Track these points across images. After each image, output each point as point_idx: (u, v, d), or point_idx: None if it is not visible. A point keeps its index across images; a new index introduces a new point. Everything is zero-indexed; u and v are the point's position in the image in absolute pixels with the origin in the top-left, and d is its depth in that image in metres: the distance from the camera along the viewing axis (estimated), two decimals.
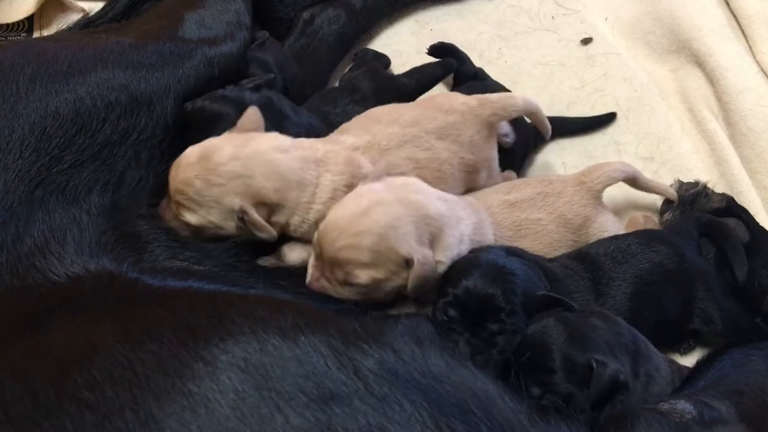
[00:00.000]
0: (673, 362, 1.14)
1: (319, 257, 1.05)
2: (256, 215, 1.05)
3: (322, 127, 1.28)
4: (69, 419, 0.68)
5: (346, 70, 1.60)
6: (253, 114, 1.13)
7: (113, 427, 0.67)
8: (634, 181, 1.35)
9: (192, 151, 1.07)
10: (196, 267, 1.05)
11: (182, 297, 0.93)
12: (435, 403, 0.80)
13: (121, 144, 1.07)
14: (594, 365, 0.94)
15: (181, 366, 0.74)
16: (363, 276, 1.01)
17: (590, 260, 1.19)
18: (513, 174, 1.42)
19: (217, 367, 0.75)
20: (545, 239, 1.23)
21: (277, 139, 1.12)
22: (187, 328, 0.80)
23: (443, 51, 1.59)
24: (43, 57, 1.07)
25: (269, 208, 1.07)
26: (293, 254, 1.13)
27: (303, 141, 1.15)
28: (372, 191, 1.06)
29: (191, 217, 1.06)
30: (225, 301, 0.91)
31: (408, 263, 1.01)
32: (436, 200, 1.09)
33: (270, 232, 1.07)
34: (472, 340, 0.98)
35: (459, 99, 1.29)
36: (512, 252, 1.11)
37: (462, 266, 1.04)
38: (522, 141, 1.48)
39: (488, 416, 0.82)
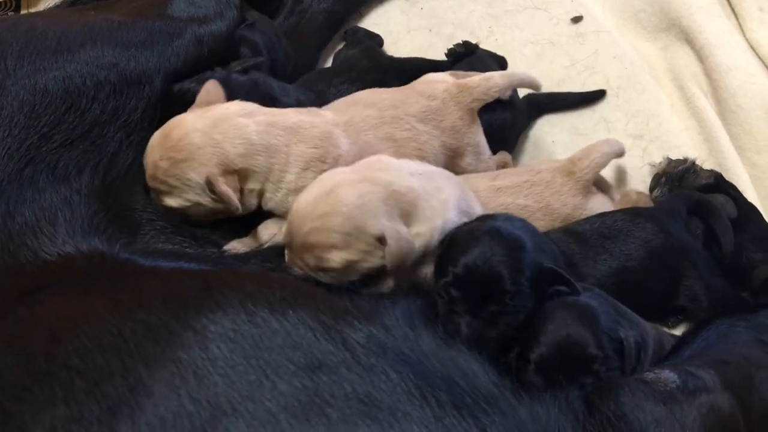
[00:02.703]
0: (657, 328, 1.15)
1: (291, 246, 1.03)
2: (222, 185, 1.03)
3: (313, 101, 1.28)
4: (59, 385, 0.69)
5: (338, 48, 1.60)
6: (211, 87, 1.12)
7: (103, 392, 0.69)
8: (620, 157, 1.36)
9: (155, 135, 1.07)
10: (187, 250, 1.05)
11: (173, 274, 0.94)
12: (421, 375, 0.81)
13: (111, 124, 1.07)
14: (623, 338, 0.96)
15: (170, 335, 0.75)
16: (335, 258, 0.98)
17: (577, 236, 1.20)
18: (507, 156, 1.43)
19: (207, 337, 0.76)
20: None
21: (239, 104, 1.11)
22: (176, 300, 0.81)
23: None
24: (31, 34, 1.07)
25: (239, 176, 1.06)
26: (266, 231, 1.11)
27: (273, 109, 1.14)
28: (335, 173, 1.05)
29: (171, 201, 1.06)
30: (215, 276, 0.92)
31: (381, 241, 0.99)
32: (407, 175, 1.07)
33: (233, 204, 1.04)
34: (473, 323, 0.95)
35: (440, 86, 1.29)
36: (508, 217, 1.07)
37: (462, 241, 0.99)
38: (516, 121, 1.49)
39: (473, 390, 0.83)
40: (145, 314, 0.77)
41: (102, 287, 0.86)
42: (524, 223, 1.05)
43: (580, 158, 1.29)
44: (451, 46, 1.56)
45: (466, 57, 1.55)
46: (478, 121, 1.31)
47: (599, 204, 1.30)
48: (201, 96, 1.12)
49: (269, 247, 1.11)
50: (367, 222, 0.99)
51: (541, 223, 1.23)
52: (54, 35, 1.08)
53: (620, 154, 1.35)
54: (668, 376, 0.95)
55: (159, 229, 1.06)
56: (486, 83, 1.29)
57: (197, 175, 1.04)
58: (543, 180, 1.26)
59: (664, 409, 0.88)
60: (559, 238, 1.19)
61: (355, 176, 1.04)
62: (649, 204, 1.40)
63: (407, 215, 1.04)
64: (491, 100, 1.31)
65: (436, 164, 1.23)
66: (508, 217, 1.05)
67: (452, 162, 1.28)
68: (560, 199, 1.25)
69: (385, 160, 1.11)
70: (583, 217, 1.27)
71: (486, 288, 0.95)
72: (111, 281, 0.88)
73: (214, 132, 1.05)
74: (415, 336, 0.88)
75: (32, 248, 0.92)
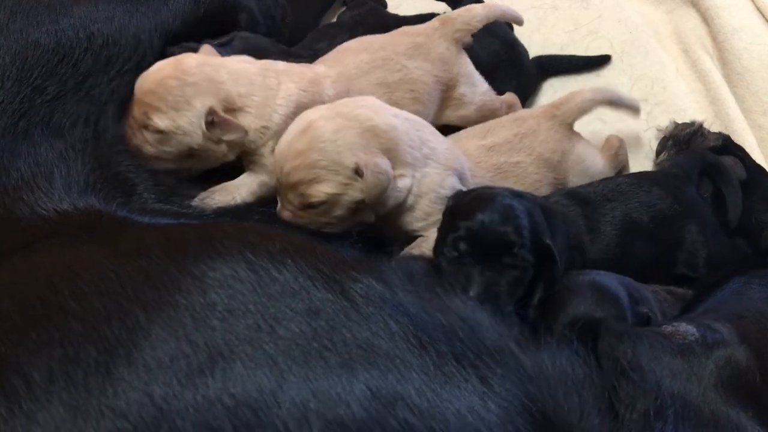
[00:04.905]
0: (658, 292, 1.13)
1: (279, 189, 1.05)
2: (225, 114, 1.05)
3: (311, 59, 1.26)
4: (56, 328, 0.68)
5: (342, 10, 1.59)
6: (207, 49, 1.14)
7: (100, 334, 0.68)
8: (609, 103, 1.34)
9: (163, 61, 1.08)
10: (184, 210, 1.05)
11: (173, 227, 0.93)
12: (421, 327, 0.80)
13: (104, 74, 1.06)
14: (650, 314, 0.99)
15: (169, 280, 0.74)
16: (316, 193, 1.00)
17: (582, 198, 1.19)
18: (514, 97, 1.41)
19: (205, 282, 0.75)
20: (527, 180, 1.22)
21: (241, 57, 1.14)
22: (176, 248, 0.80)
23: None
24: None
25: (234, 114, 1.08)
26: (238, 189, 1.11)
27: (265, 60, 1.16)
28: (311, 111, 1.07)
29: (160, 121, 1.05)
30: (215, 227, 0.91)
31: (358, 173, 1.00)
32: (390, 115, 1.08)
33: (240, 130, 1.06)
34: (486, 273, 0.97)
35: (421, 25, 1.31)
36: (516, 194, 1.07)
37: (472, 201, 1.02)
38: (522, 83, 1.47)
39: (474, 342, 0.82)
40: (143, 261, 0.76)
41: (100, 238, 0.85)
42: (526, 205, 1.04)
43: (562, 102, 1.29)
44: None
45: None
46: (465, 54, 1.32)
47: (584, 149, 1.29)
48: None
49: (268, 209, 1.10)
50: (342, 154, 1.01)
51: (535, 177, 1.23)
52: None
53: (608, 101, 1.33)
54: (687, 329, 0.93)
55: (154, 189, 1.05)
56: (467, 14, 1.31)
57: (200, 104, 1.05)
58: (530, 129, 1.25)
59: (681, 362, 0.87)
60: (561, 200, 1.18)
61: (329, 112, 1.05)
62: (626, 152, 1.39)
63: (388, 152, 1.04)
64: (473, 30, 1.32)
65: (430, 102, 1.25)
66: (516, 194, 1.06)
67: (448, 96, 1.28)
68: (549, 147, 1.25)
69: (369, 99, 1.12)
70: (571, 163, 1.26)
71: (494, 241, 0.97)
72: (109, 233, 0.87)
73: (221, 71, 1.08)
74: (415, 290, 0.87)
75: (29, 203, 0.91)
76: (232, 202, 1.09)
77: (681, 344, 0.89)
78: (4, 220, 0.89)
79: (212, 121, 1.05)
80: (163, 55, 1.14)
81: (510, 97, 1.40)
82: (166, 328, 0.68)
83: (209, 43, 1.18)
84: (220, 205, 1.08)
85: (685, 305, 1.11)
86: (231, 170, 1.14)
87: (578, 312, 0.96)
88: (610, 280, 1.02)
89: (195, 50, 1.15)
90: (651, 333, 0.91)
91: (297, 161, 1.01)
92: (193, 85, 1.05)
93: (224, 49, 1.21)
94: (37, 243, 0.84)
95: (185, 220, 1.00)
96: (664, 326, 0.95)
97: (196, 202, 1.07)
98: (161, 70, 1.07)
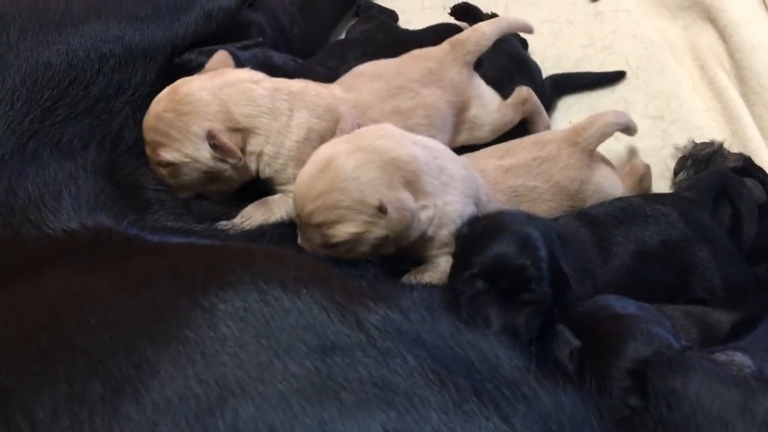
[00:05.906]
0: (675, 316, 1.10)
1: (299, 225, 1.03)
2: (224, 138, 1.03)
3: (326, 77, 1.25)
4: (61, 363, 0.67)
5: (352, 23, 1.57)
6: (221, 56, 1.13)
7: (106, 371, 0.66)
8: (628, 130, 1.32)
9: (162, 91, 1.07)
10: (197, 228, 1.03)
11: (182, 250, 0.92)
12: (439, 360, 0.78)
13: (117, 98, 1.06)
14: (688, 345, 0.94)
15: (177, 313, 0.72)
16: (340, 234, 0.97)
17: (592, 220, 1.17)
18: (528, 91, 1.37)
19: (216, 315, 0.73)
20: (542, 207, 1.19)
21: (248, 72, 1.12)
22: (185, 277, 0.78)
23: (465, 12, 1.55)
24: (34, 7, 1.05)
25: (242, 134, 1.06)
26: (257, 213, 1.09)
27: (277, 78, 1.14)
28: (329, 146, 1.03)
29: (167, 154, 1.04)
30: (227, 251, 0.89)
31: (382, 210, 0.97)
32: (410, 144, 1.04)
33: (236, 155, 1.04)
34: (503, 313, 0.92)
35: (432, 48, 1.30)
36: (530, 216, 1.05)
37: (484, 233, 0.97)
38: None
39: (495, 376, 0.79)
40: (152, 291, 0.74)
41: (107, 262, 0.83)
42: (541, 229, 1.01)
43: (585, 127, 1.25)
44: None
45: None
46: (476, 75, 1.32)
47: (604, 177, 1.26)
48: (211, 64, 1.12)
49: (281, 228, 1.08)
50: (365, 192, 0.97)
51: (551, 204, 1.20)
52: (57, 8, 1.06)
53: (628, 128, 1.30)
54: (742, 360, 0.88)
55: (168, 208, 1.03)
56: (475, 34, 1.30)
57: (200, 129, 1.03)
58: (551, 155, 1.22)
59: (737, 395, 0.81)
60: (569, 222, 1.16)
61: (348, 146, 1.01)
62: (650, 179, 1.37)
63: (410, 184, 1.01)
64: (484, 50, 1.31)
65: (444, 126, 1.23)
66: (531, 218, 1.03)
67: (460, 119, 1.27)
68: (568, 175, 1.22)
69: (387, 127, 1.08)
70: (590, 192, 1.23)
71: (511, 276, 0.93)
72: (117, 256, 0.85)
73: (221, 93, 1.06)
74: (433, 319, 0.85)
75: (35, 223, 0.89)
76: (271, 219, 1.08)
77: (736, 376, 0.85)
78: (11, 241, 0.87)
79: (214, 144, 1.03)
80: (177, 66, 1.13)
81: (523, 92, 1.36)
82: (175, 365, 0.66)
83: (227, 48, 1.17)
84: (260, 222, 1.07)
85: (729, 333, 1.06)
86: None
87: (637, 356, 0.90)
88: (648, 319, 0.97)
89: (210, 52, 1.14)
90: (705, 360, 0.86)
91: (318, 202, 0.97)
92: (189, 114, 1.03)
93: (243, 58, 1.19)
94: (43, 266, 0.82)
95: (195, 239, 0.98)
96: (718, 354, 0.90)
97: (237, 219, 1.06)
98: (158, 103, 1.05)
